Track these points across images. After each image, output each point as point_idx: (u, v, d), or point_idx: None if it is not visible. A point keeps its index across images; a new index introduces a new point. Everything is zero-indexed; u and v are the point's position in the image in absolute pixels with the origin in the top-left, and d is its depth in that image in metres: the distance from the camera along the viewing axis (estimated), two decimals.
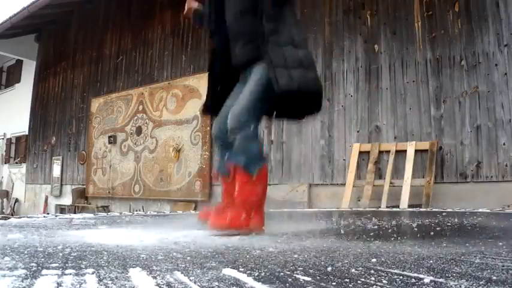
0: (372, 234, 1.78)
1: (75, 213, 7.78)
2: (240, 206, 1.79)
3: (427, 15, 5.25)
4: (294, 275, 0.90)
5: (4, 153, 12.97)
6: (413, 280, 0.84)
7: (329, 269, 0.96)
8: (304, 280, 0.86)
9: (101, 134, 9.31)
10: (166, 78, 8.14)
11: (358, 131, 5.62)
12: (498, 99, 4.68)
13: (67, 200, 9.82)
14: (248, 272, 0.93)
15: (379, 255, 1.15)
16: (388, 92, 5.45)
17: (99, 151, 9.27)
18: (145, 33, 8.69)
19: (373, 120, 5.53)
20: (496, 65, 4.73)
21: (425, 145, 5.02)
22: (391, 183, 5.07)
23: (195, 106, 7.29)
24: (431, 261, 1.03)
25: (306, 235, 1.80)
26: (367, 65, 5.64)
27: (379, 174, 5.29)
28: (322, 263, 1.05)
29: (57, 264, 1.02)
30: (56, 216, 3.28)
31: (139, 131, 8.49)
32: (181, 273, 0.92)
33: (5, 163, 12.90)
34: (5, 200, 12.04)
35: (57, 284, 0.82)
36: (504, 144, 4.61)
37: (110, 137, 8.96)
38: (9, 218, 3.01)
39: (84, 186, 9.46)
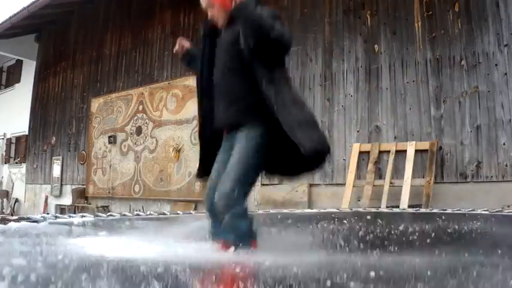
0: (370, 243, 1.77)
1: (75, 213, 7.78)
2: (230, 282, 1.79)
3: (427, 15, 5.25)
4: None
5: (4, 153, 12.96)
6: None
7: (328, 283, 0.96)
8: None
9: (101, 134, 9.31)
10: (166, 78, 8.14)
11: (358, 131, 5.62)
12: (498, 99, 4.68)
13: (67, 200, 9.81)
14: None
15: (377, 268, 1.13)
16: (388, 92, 5.44)
17: (99, 151, 9.26)
18: (145, 33, 8.69)
19: (373, 120, 5.53)
20: (496, 65, 4.73)
21: (425, 145, 5.02)
22: (391, 183, 5.07)
23: (195, 106, 7.27)
24: (429, 273, 1.03)
25: (304, 246, 1.78)
26: (367, 65, 5.64)
27: (379, 174, 5.29)
28: (321, 277, 1.04)
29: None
30: (56, 217, 3.27)
31: (139, 131, 8.49)
32: None
33: (5, 163, 12.89)
34: (5, 200, 12.03)
35: None
36: (504, 144, 4.60)
37: (110, 137, 8.96)
38: (8, 220, 3.00)
39: (84, 186, 9.46)
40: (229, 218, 1.77)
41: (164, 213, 4.21)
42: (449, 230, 2.15)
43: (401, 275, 1.09)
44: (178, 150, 7.65)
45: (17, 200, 11.79)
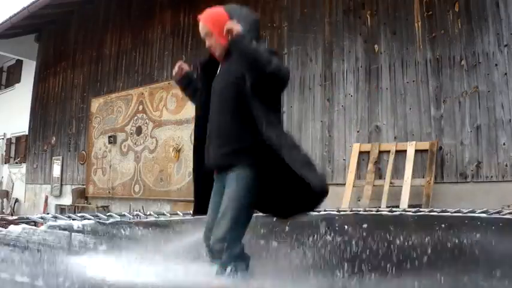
0: (365, 262, 1.76)
1: (75, 213, 7.78)
2: None
3: (427, 15, 5.25)
4: None
5: (4, 153, 12.96)
6: None
7: None
8: None
9: (101, 134, 9.31)
10: (166, 78, 8.13)
11: (358, 131, 5.62)
12: (498, 99, 4.68)
13: (67, 200, 9.81)
14: None
15: None
16: (388, 92, 5.45)
17: (99, 151, 9.27)
18: (145, 33, 8.69)
19: (373, 120, 5.53)
20: (496, 65, 4.74)
21: (425, 145, 5.02)
22: (391, 183, 5.07)
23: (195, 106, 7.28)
24: None
25: (297, 268, 1.77)
26: (367, 65, 5.64)
27: (379, 174, 5.29)
28: None
29: None
30: (56, 218, 3.26)
31: (139, 131, 8.49)
32: None
33: (5, 163, 12.89)
34: (5, 200, 12.03)
35: None
36: (504, 144, 4.60)
37: (110, 137, 8.96)
38: (7, 221, 2.99)
39: (84, 186, 9.46)
40: (226, 259, 1.77)
41: (164, 214, 4.20)
42: (447, 244, 2.13)
43: None
44: (178, 150, 7.65)
45: (17, 200, 11.79)
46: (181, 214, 4.09)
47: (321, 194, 1.80)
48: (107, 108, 9.28)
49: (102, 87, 9.54)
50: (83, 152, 9.70)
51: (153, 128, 8.22)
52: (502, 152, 4.61)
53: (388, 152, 5.26)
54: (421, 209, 4.27)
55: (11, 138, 12.92)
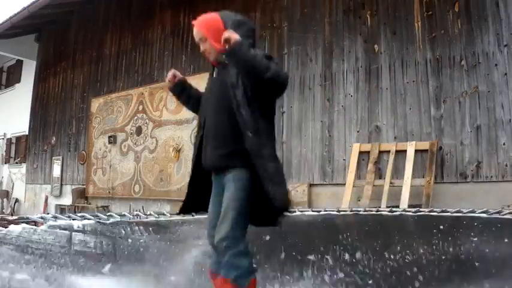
0: (362, 273, 1.76)
1: (75, 213, 7.78)
2: None
3: (427, 15, 5.25)
4: None
5: (4, 153, 12.96)
6: None
7: None
8: None
9: (101, 134, 9.31)
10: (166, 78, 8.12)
11: (358, 131, 5.62)
12: (498, 99, 4.68)
13: (67, 200, 9.81)
14: None
15: None
16: (388, 92, 5.45)
17: (99, 151, 9.27)
18: (145, 33, 8.69)
19: (373, 120, 5.53)
20: (496, 65, 4.73)
21: (425, 145, 5.02)
22: (391, 183, 5.07)
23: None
24: None
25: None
26: (367, 65, 5.64)
27: (379, 174, 5.29)
28: None
29: None
30: (56, 218, 3.26)
31: (139, 131, 8.49)
32: None
33: (5, 163, 12.89)
34: (5, 200, 12.03)
35: None
36: (504, 144, 4.60)
37: (110, 137, 8.96)
38: (7, 221, 2.99)
39: (84, 186, 9.46)
40: (230, 256, 1.80)
41: (164, 214, 4.19)
42: (445, 255, 2.12)
43: None
44: (178, 150, 7.65)
45: (17, 200, 11.79)
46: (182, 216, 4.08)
47: (280, 209, 1.85)
48: (107, 108, 9.28)
49: (102, 87, 9.54)
50: (83, 152, 9.70)
51: (153, 128, 8.22)
52: (502, 152, 4.61)
53: (388, 152, 5.26)
54: (421, 209, 4.27)
55: (11, 138, 12.92)
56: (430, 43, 5.19)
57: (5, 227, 2.72)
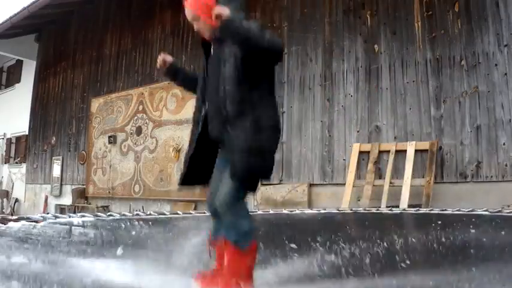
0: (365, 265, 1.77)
1: (75, 213, 7.78)
2: (229, 276, 1.83)
3: (427, 15, 5.25)
4: None
5: (4, 153, 12.96)
6: None
7: None
8: None
9: (101, 134, 9.31)
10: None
11: (358, 131, 5.62)
12: (498, 99, 4.69)
13: (67, 200, 9.81)
14: None
15: None
16: (388, 92, 5.45)
17: (99, 151, 9.27)
18: (145, 33, 8.69)
19: (373, 120, 5.53)
20: (496, 65, 4.74)
21: (425, 145, 5.02)
22: (391, 183, 5.07)
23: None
24: None
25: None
26: (367, 65, 5.64)
27: (379, 174, 5.29)
28: None
29: None
30: (56, 217, 3.27)
31: (139, 131, 8.49)
32: None
33: (5, 163, 12.89)
34: (5, 200, 12.03)
35: None
36: (504, 144, 4.61)
37: (110, 137, 8.96)
38: (8, 220, 3.00)
39: (84, 186, 9.46)
40: (230, 217, 1.84)
41: (164, 213, 4.20)
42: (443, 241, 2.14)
43: None
44: (178, 150, 7.65)
45: (17, 200, 11.79)
46: (182, 214, 4.09)
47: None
48: (107, 108, 9.28)
49: (102, 87, 9.54)
50: (83, 152, 9.70)
51: (153, 128, 8.22)
52: (502, 152, 4.61)
53: (388, 152, 5.26)
54: (420, 209, 4.28)
55: (11, 138, 12.93)
56: (430, 43, 5.19)
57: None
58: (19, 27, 10.40)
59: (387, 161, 5.22)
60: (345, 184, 5.36)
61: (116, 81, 9.21)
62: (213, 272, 1.96)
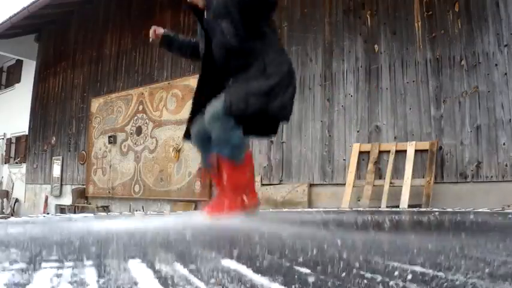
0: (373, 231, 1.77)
1: (75, 213, 7.78)
2: (233, 192, 1.84)
3: (427, 15, 5.25)
4: (294, 267, 0.90)
5: (4, 153, 12.97)
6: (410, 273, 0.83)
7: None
8: (304, 272, 0.85)
9: (101, 134, 9.31)
10: (166, 78, 8.14)
11: (358, 131, 5.62)
12: (498, 99, 4.68)
13: (67, 200, 9.81)
14: (247, 263, 0.93)
15: (378, 247, 1.14)
16: (388, 92, 5.45)
17: (99, 151, 9.27)
18: (146, 33, 8.67)
19: (373, 120, 5.53)
20: (496, 65, 4.74)
21: (425, 145, 5.02)
22: (391, 183, 5.07)
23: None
24: (427, 255, 1.02)
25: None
26: (367, 65, 5.64)
27: (379, 174, 5.29)
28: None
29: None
30: (56, 216, 3.28)
31: (139, 131, 8.49)
32: (181, 264, 0.92)
33: (5, 163, 12.89)
34: (5, 200, 12.03)
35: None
36: (504, 144, 4.60)
37: (110, 137, 8.96)
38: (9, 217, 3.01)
39: (84, 186, 9.46)
40: (220, 131, 1.86)
41: (164, 213, 4.20)
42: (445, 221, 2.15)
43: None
44: (178, 150, 7.65)
45: (17, 200, 11.79)
46: (182, 213, 4.09)
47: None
48: (107, 108, 9.28)
49: (102, 87, 9.55)
50: (83, 152, 9.70)
51: (153, 128, 8.22)
52: (502, 152, 4.61)
53: (388, 152, 5.26)
54: (421, 209, 4.27)
55: (11, 138, 12.93)
56: (430, 43, 5.19)
57: None
58: (19, 27, 10.41)
59: (387, 161, 5.22)
60: (345, 184, 5.35)
61: (116, 81, 9.21)
62: (217, 196, 1.99)
